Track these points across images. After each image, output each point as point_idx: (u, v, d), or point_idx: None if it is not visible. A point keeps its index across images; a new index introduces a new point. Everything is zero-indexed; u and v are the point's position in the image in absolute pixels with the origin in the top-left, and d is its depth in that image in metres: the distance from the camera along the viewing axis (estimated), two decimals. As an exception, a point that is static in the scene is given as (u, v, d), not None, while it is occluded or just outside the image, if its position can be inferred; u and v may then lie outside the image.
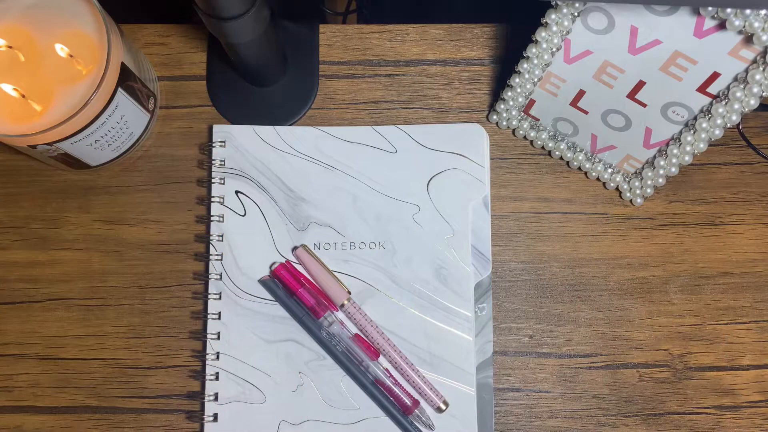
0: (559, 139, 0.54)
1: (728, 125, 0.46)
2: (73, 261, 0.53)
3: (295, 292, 0.50)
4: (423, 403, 0.50)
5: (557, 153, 0.54)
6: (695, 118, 0.47)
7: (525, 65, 0.49)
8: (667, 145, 0.49)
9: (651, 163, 0.51)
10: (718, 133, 0.46)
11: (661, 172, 0.50)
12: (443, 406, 0.50)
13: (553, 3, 0.45)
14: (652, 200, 0.54)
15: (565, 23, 0.46)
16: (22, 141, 0.46)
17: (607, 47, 0.46)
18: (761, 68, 0.42)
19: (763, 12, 0.40)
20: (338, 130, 0.54)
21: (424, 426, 0.50)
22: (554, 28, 0.46)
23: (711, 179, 0.54)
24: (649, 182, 0.52)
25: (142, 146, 0.54)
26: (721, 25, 0.41)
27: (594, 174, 0.54)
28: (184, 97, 0.55)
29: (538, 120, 0.54)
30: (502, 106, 0.53)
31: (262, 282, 0.51)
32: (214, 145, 0.53)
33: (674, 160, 0.49)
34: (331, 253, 0.52)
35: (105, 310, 0.53)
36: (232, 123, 0.55)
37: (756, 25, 0.40)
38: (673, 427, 0.51)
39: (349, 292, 0.51)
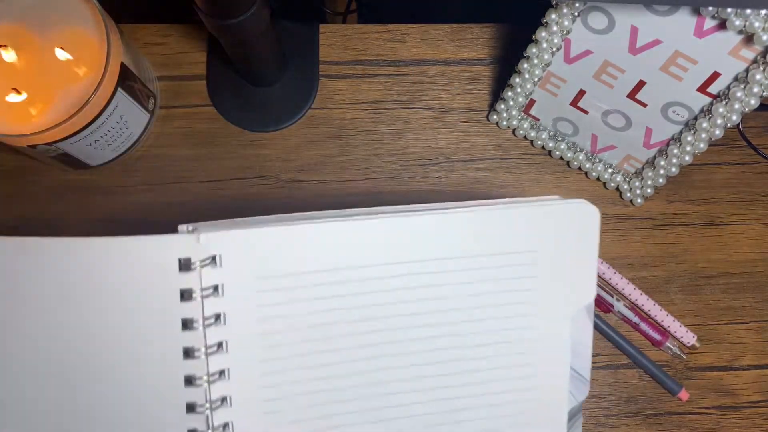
0: (559, 139, 0.54)
1: (728, 125, 0.46)
2: (73, 261, 0.53)
3: None
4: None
5: (557, 153, 0.54)
6: (695, 118, 0.47)
7: (525, 65, 0.49)
8: (668, 145, 0.49)
9: (651, 163, 0.51)
10: (718, 133, 0.46)
11: (662, 172, 0.50)
12: (697, 344, 0.51)
13: (553, 3, 0.45)
14: (652, 200, 0.54)
15: (565, 23, 0.46)
16: (22, 141, 0.45)
17: (607, 47, 0.46)
18: (761, 68, 0.42)
19: (763, 12, 0.40)
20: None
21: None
22: (554, 28, 0.46)
23: (711, 179, 0.54)
24: (649, 182, 0.52)
25: (142, 146, 0.54)
26: (722, 25, 0.41)
27: (594, 174, 0.54)
28: (184, 97, 0.55)
29: (538, 120, 0.54)
30: (502, 106, 0.53)
31: None
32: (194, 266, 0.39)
33: (674, 160, 0.49)
34: None
35: (105, 310, 0.52)
36: (233, 123, 0.54)
37: (756, 25, 0.40)
38: (673, 427, 0.51)
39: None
